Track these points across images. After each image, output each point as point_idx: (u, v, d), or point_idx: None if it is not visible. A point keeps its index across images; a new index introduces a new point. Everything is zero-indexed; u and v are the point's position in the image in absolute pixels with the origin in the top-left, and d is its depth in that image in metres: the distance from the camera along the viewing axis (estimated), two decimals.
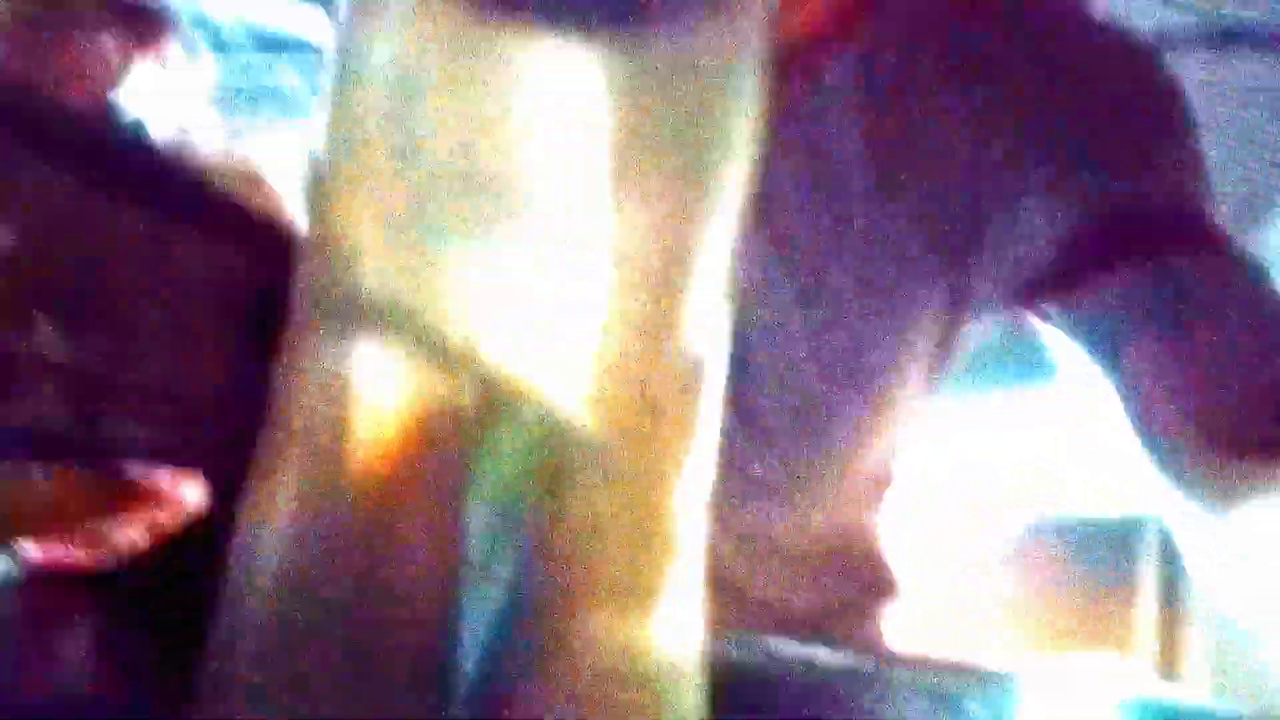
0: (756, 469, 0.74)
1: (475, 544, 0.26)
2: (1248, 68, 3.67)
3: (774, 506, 0.77)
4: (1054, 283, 0.63)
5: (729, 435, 0.70)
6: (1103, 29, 0.67)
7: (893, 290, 0.66)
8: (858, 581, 0.85)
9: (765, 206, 0.60)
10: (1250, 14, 3.37)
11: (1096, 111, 0.64)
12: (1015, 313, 0.68)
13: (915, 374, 0.72)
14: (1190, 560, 0.59)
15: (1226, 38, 3.50)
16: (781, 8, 0.60)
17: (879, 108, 0.64)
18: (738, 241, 0.63)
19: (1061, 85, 0.64)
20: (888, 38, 0.65)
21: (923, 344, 0.69)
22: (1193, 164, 0.65)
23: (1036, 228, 0.63)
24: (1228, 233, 0.63)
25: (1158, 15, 3.59)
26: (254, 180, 1.19)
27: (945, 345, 0.71)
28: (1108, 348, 0.61)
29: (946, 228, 0.65)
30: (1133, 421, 0.60)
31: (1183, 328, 0.59)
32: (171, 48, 1.33)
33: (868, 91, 0.64)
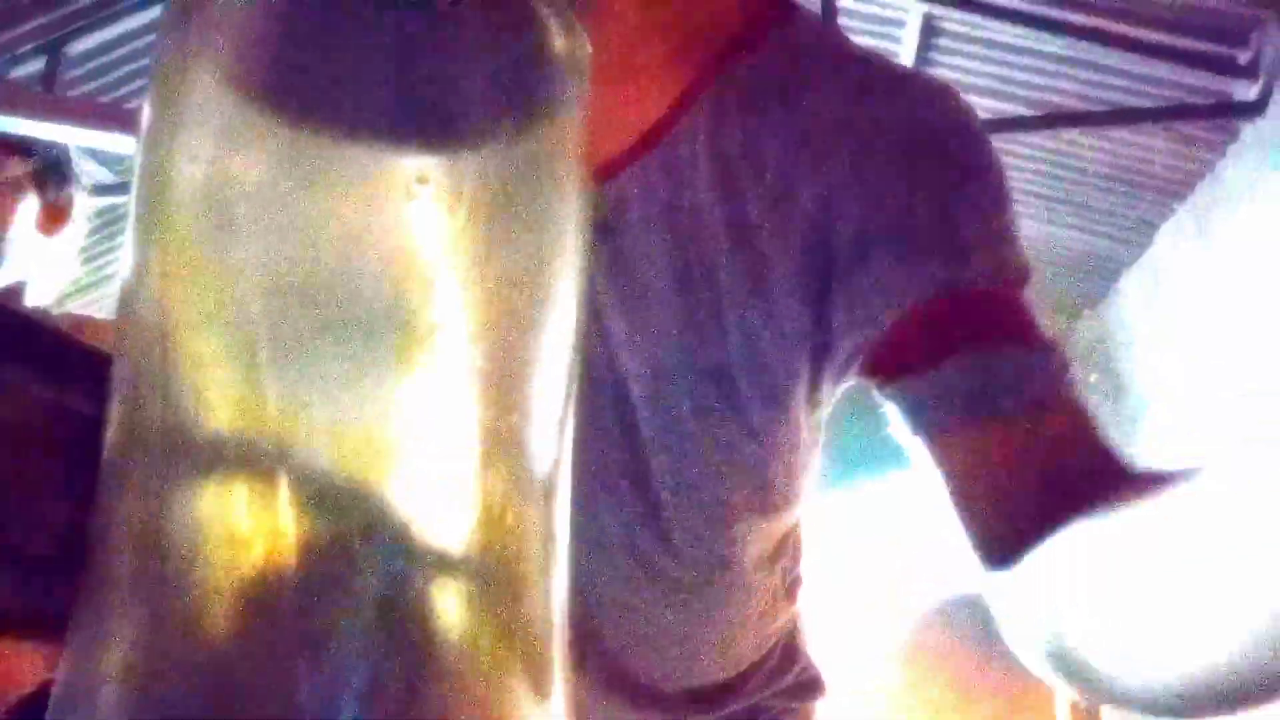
0: (670, 568, 0.73)
1: (328, 678, 0.24)
2: (1078, 149, 3.94)
3: (692, 603, 0.77)
4: (885, 360, 0.66)
5: (638, 535, 0.70)
6: (935, 117, 0.70)
7: (773, 362, 0.68)
8: (784, 680, 0.85)
9: (638, 296, 0.67)
10: (1078, 95, 3.65)
11: (926, 200, 0.67)
12: (863, 384, 0.70)
13: (799, 446, 0.74)
14: (1003, 631, 0.61)
15: (1060, 119, 3.77)
16: (624, 92, 0.66)
17: (733, 179, 0.67)
18: (615, 339, 0.64)
19: (894, 174, 0.67)
20: (731, 113, 0.68)
21: (801, 413, 0.72)
22: (1012, 254, 0.70)
23: (876, 306, 0.65)
24: (1040, 324, 0.68)
25: (991, 103, 3.84)
26: (97, 324, 1.17)
27: (815, 412, 0.73)
28: (926, 429, 0.64)
29: (808, 294, 0.67)
30: (949, 500, 0.64)
31: (991, 416, 0.62)
32: (67, 211, 1.31)
33: (719, 163, 0.67)
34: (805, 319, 0.67)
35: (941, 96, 0.72)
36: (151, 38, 3.47)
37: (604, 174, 0.66)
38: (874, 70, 0.72)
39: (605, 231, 0.66)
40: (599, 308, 0.67)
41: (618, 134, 0.68)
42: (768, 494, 0.74)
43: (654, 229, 0.67)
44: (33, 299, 1.30)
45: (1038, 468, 0.62)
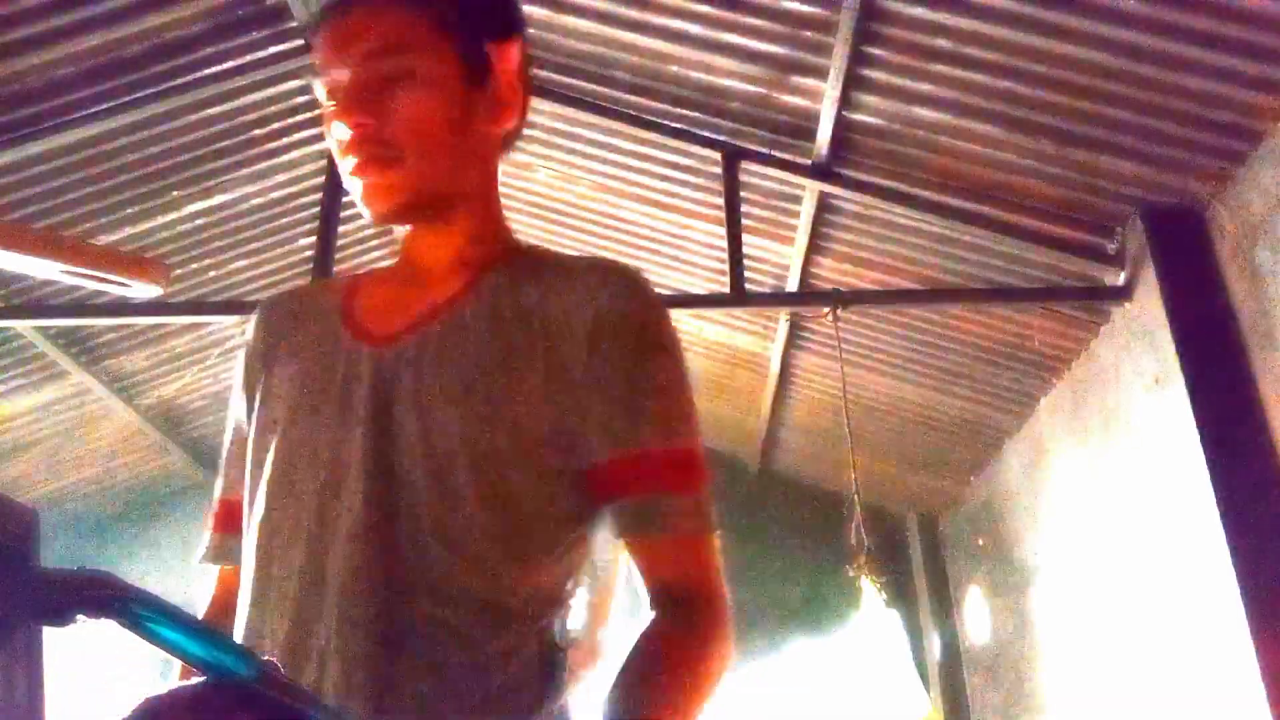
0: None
1: None
2: (963, 323, 4.13)
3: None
4: (597, 485, 0.99)
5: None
6: (639, 304, 1.03)
7: (546, 467, 0.97)
8: None
9: (431, 406, 0.96)
10: (960, 273, 3.84)
11: (631, 372, 0.99)
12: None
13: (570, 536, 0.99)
14: None
15: (943, 294, 3.96)
16: (420, 291, 1.03)
17: (506, 331, 1.00)
18: (410, 438, 0.95)
19: (614, 346, 1.00)
20: (504, 290, 1.04)
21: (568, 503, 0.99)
22: (682, 422, 1.01)
23: (596, 445, 0.99)
24: (694, 475, 1.00)
25: (880, 276, 4.01)
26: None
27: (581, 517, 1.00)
28: (617, 535, 1.00)
29: (554, 418, 0.98)
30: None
31: (644, 536, 0.99)
32: None
33: (490, 311, 1.02)
34: (547, 432, 0.97)
35: (643, 286, 1.05)
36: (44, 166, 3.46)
37: (408, 335, 1.01)
38: (596, 263, 1.08)
39: (407, 364, 0.98)
40: (403, 417, 0.96)
41: (418, 313, 1.03)
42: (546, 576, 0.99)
43: (443, 365, 0.98)
44: None
45: (653, 574, 0.99)
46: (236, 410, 1.12)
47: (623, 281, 1.04)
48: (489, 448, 0.95)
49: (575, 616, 0.98)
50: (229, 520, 1.08)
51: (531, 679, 0.92)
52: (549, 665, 0.94)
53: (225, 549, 1.09)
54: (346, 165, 1.00)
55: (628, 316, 1.01)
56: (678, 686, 0.91)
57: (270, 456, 1.00)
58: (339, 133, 0.99)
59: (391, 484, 0.93)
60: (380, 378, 0.98)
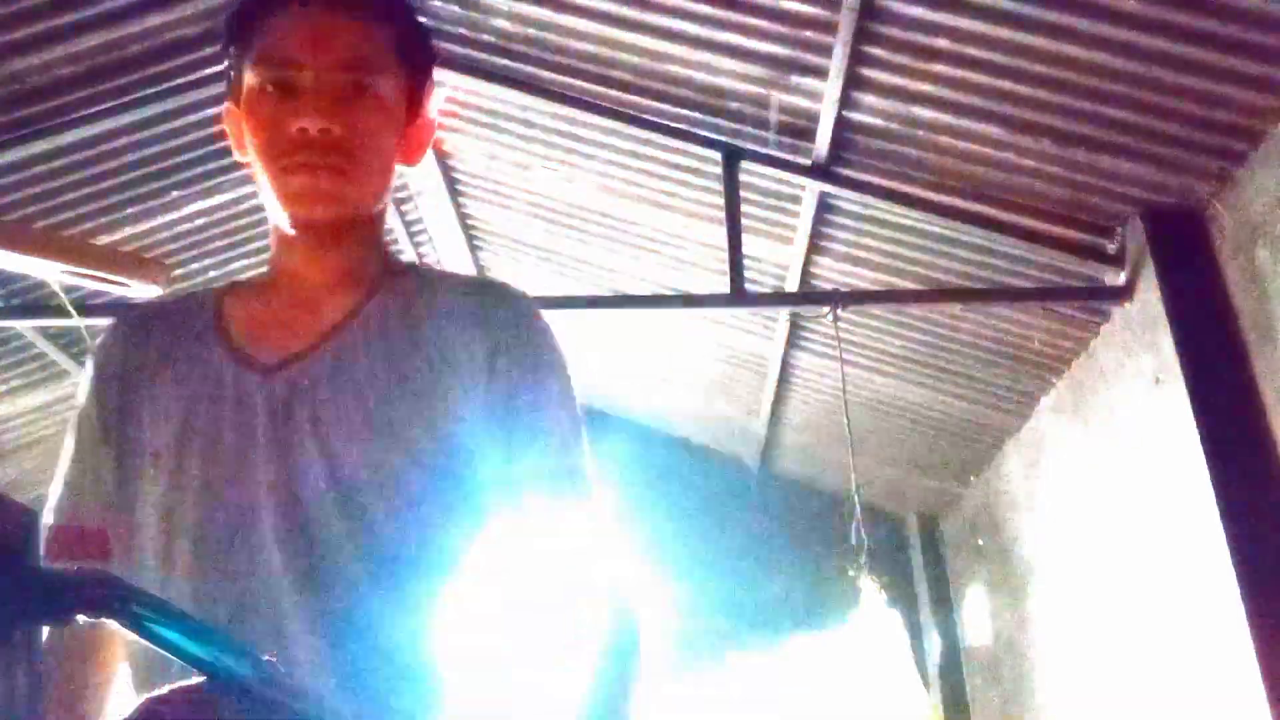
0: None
1: None
2: (963, 324, 4.13)
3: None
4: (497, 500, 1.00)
5: None
6: (529, 320, 1.06)
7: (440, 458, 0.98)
8: None
9: (330, 423, 0.96)
10: (961, 273, 3.84)
11: (521, 390, 1.01)
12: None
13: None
14: None
15: (943, 294, 3.95)
16: (310, 315, 1.01)
17: (397, 348, 1.01)
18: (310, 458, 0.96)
19: (499, 372, 1.01)
20: (393, 311, 1.04)
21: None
22: (576, 430, 1.04)
23: (493, 465, 1.00)
24: (583, 484, 1.02)
25: (880, 276, 4.00)
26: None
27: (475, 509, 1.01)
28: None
29: (444, 425, 0.99)
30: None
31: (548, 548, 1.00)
32: None
33: (383, 334, 1.02)
34: (449, 454, 0.98)
35: (533, 306, 1.08)
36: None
37: (299, 363, 1.00)
38: (487, 284, 1.12)
39: (302, 394, 0.97)
40: (305, 450, 0.95)
41: (307, 336, 1.02)
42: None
43: (340, 394, 0.98)
44: None
45: (555, 579, 0.99)
46: (87, 428, 1.03)
47: (515, 303, 1.07)
48: (393, 474, 0.95)
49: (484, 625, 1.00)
50: (82, 549, 0.97)
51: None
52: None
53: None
54: (290, 162, 0.98)
55: (522, 338, 1.04)
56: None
57: (161, 490, 0.96)
58: (290, 127, 0.97)
59: (302, 519, 0.93)
60: (274, 410, 0.96)
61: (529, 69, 3.56)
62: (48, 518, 1.01)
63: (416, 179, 4.26)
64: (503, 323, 1.03)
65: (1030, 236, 3.48)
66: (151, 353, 1.03)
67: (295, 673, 0.87)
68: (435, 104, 1.11)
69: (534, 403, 1.02)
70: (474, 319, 1.03)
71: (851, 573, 3.62)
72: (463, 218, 4.58)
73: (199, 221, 4.04)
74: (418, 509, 0.96)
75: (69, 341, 4.46)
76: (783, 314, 4.40)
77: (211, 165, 3.80)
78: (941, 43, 2.91)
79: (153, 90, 3.39)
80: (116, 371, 1.03)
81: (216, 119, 3.63)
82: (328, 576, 0.92)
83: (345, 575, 0.92)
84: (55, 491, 1.03)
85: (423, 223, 4.58)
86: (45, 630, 0.84)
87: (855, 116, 3.29)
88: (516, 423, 1.01)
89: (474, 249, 4.80)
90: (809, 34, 3.05)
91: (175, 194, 3.85)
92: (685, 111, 3.54)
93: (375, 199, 1.05)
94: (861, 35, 2.95)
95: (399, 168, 1.09)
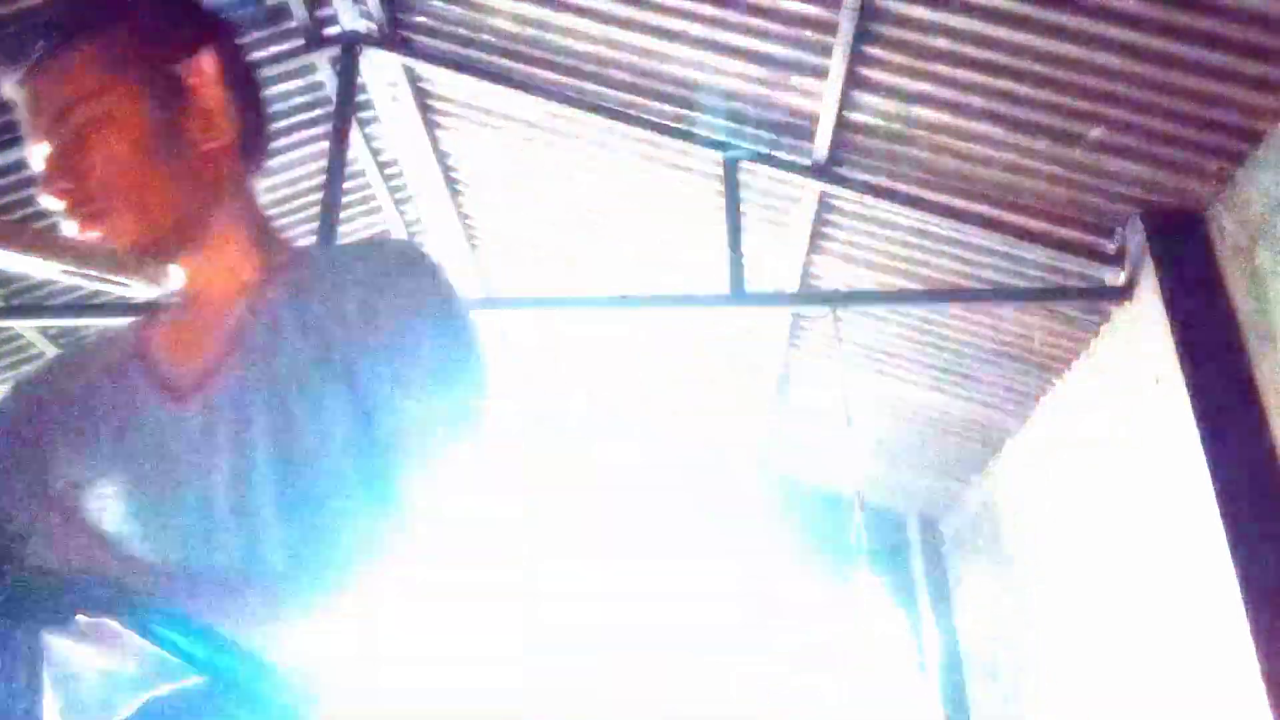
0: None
1: None
2: (963, 324, 4.12)
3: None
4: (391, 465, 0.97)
5: None
6: (433, 286, 1.01)
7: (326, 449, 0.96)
8: None
9: (249, 420, 0.95)
10: (960, 273, 3.84)
11: (404, 349, 0.98)
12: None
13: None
14: None
15: (942, 294, 3.95)
16: (212, 311, 1.02)
17: (289, 353, 0.99)
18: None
19: (378, 333, 0.98)
20: (278, 303, 1.02)
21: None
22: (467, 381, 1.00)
23: (388, 431, 0.97)
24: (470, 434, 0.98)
25: (879, 276, 4.00)
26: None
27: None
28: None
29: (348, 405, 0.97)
30: None
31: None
32: None
33: (280, 340, 1.00)
34: (347, 419, 0.97)
35: (412, 258, 1.03)
36: None
37: (207, 385, 0.99)
38: (365, 249, 1.09)
39: (215, 418, 0.97)
40: (226, 473, 0.94)
41: (208, 356, 1.01)
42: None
43: (247, 408, 0.97)
44: None
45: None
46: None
47: (389, 250, 1.06)
48: (314, 465, 0.95)
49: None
50: None
51: None
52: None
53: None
54: (70, 229, 1.01)
55: (398, 292, 1.00)
56: None
57: (86, 524, 0.96)
58: (49, 204, 1.00)
59: (223, 535, 0.93)
60: (191, 439, 0.97)
61: (529, 69, 3.56)
62: None
63: (416, 179, 4.26)
64: (374, 273, 1.01)
65: (1030, 236, 3.48)
66: (75, 388, 1.04)
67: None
68: (210, 70, 1.05)
69: (423, 364, 0.98)
70: (351, 292, 1.00)
71: (851, 573, 3.62)
72: (462, 218, 4.58)
73: None
74: (336, 498, 0.95)
75: (69, 342, 4.46)
76: (783, 314, 4.40)
77: None
78: (941, 43, 2.91)
79: None
80: (37, 398, 1.05)
81: None
82: (255, 575, 0.91)
83: (277, 572, 0.92)
84: None
85: (422, 223, 4.58)
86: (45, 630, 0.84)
87: (855, 116, 3.29)
88: (406, 388, 0.97)
89: (473, 249, 4.80)
90: (809, 34, 3.05)
91: None
92: (685, 112, 3.54)
93: (169, 208, 1.03)
94: (861, 35, 2.95)
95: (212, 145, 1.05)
